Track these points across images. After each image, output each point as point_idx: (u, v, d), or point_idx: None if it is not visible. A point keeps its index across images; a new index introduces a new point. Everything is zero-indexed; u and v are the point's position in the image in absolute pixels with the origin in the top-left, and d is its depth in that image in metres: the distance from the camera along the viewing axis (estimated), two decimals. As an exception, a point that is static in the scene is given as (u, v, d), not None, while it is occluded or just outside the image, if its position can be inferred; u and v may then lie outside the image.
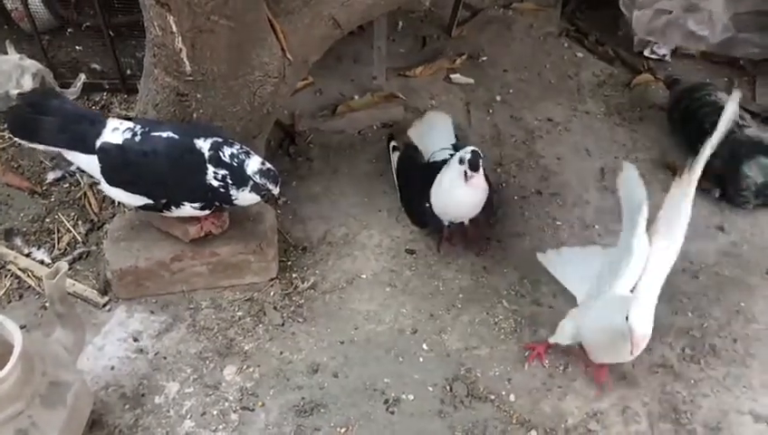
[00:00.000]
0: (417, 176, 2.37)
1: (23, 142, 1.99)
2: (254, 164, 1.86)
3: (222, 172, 1.86)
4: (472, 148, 2.11)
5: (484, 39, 3.31)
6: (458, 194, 2.17)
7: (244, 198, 1.91)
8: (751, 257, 2.40)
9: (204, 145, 1.87)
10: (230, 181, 1.87)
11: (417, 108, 2.91)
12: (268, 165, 1.89)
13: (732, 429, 1.94)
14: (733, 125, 2.58)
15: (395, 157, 2.52)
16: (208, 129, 1.94)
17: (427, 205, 2.25)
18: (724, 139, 2.55)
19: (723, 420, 1.95)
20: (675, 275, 2.31)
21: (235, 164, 1.86)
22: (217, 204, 1.94)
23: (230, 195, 1.89)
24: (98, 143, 1.90)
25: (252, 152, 1.90)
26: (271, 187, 1.88)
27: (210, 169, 1.86)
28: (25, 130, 1.93)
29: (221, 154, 1.86)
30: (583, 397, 1.99)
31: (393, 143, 2.56)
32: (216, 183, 1.87)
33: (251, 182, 1.87)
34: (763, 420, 1.96)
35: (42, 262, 2.26)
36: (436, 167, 2.28)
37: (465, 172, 2.08)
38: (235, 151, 1.86)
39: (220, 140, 1.88)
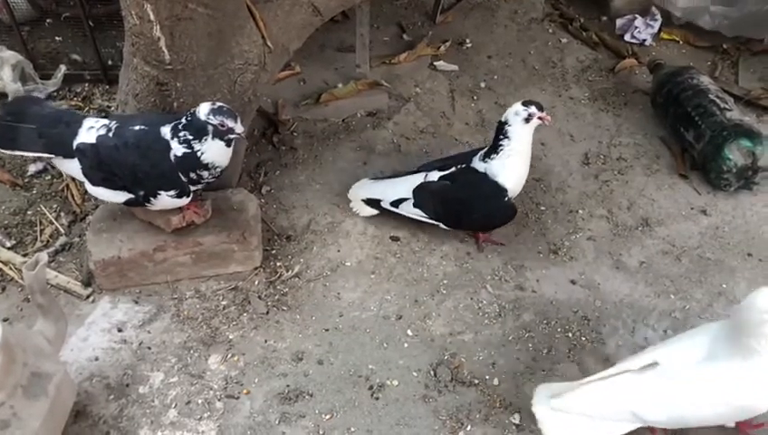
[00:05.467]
0: (461, 191, 2.22)
1: (5, 152, 1.99)
2: (203, 107, 1.84)
3: (181, 134, 1.85)
4: (516, 105, 2.11)
5: (469, 25, 3.30)
6: (529, 152, 2.17)
7: (210, 148, 1.86)
8: (733, 240, 2.42)
9: (167, 130, 1.87)
10: (191, 137, 1.85)
11: (402, 95, 2.91)
12: (219, 103, 1.86)
13: (713, 408, 1.96)
14: (715, 108, 2.61)
15: (407, 204, 2.28)
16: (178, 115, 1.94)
17: (506, 199, 2.17)
18: (706, 122, 2.59)
19: (704, 400, 1.97)
20: (657, 257, 2.35)
21: (189, 119, 1.85)
22: (193, 176, 1.91)
23: (196, 154, 1.86)
24: (74, 144, 1.90)
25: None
26: (229, 122, 1.83)
27: (173, 143, 1.86)
28: (5, 140, 1.93)
29: (178, 125, 1.86)
30: (567, 379, 2.00)
31: (388, 200, 2.32)
32: (181, 150, 1.86)
33: (209, 127, 1.83)
34: (744, 400, 1.98)
35: (25, 254, 2.25)
36: (462, 174, 2.23)
37: (540, 118, 2.09)
38: (187, 113, 1.86)
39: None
